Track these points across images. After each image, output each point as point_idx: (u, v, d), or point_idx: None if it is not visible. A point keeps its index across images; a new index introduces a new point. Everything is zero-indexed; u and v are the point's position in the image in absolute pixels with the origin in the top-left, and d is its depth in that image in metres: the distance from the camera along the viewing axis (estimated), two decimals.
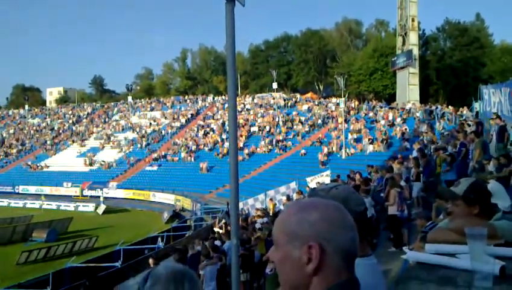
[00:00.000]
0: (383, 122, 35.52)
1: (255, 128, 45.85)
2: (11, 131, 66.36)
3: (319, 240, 1.08)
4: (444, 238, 2.11)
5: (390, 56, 51.35)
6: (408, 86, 45.73)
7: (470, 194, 2.19)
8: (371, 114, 38.97)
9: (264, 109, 50.53)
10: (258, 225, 11.40)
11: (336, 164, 30.44)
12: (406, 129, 31.57)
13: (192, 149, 45.70)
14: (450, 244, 2.00)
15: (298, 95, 54.77)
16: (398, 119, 34.90)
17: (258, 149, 41.19)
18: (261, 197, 24.14)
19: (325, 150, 34.35)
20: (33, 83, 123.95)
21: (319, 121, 42.03)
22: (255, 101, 54.92)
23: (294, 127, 43.17)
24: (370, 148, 31.41)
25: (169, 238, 18.28)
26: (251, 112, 50.59)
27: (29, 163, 52.42)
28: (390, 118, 35.93)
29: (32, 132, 63.84)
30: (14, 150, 57.70)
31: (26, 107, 78.45)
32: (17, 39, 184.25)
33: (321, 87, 68.69)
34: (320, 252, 1.07)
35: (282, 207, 18.21)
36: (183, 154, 45.10)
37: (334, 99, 47.09)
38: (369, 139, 32.33)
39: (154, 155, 46.87)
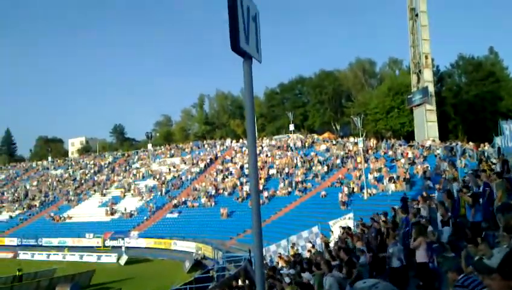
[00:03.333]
0: (403, 160, 35.16)
1: (273, 171, 45.82)
2: (35, 183, 67.63)
3: None
4: None
5: (406, 94, 51.44)
6: (426, 122, 45.46)
7: (506, 267, 2.11)
8: (390, 152, 38.69)
9: (282, 151, 50.67)
10: (285, 277, 11.15)
11: (358, 205, 30.05)
12: (427, 167, 31.13)
13: (212, 194, 45.73)
14: None
15: (315, 136, 54.92)
16: (419, 157, 34.52)
17: (278, 192, 40.98)
18: (283, 243, 23.75)
19: (346, 190, 33.98)
20: (55, 134, 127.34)
21: (338, 161, 41.82)
22: (272, 143, 55.21)
23: (313, 167, 42.99)
24: (392, 187, 30.98)
25: None
26: (269, 154, 50.75)
27: (52, 215, 53.03)
28: (410, 155, 35.58)
29: (55, 183, 64.96)
30: (37, 202, 58.55)
31: (49, 158, 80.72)
32: (39, 92, 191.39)
33: (338, 127, 68.84)
34: None
35: (306, 253, 17.88)
36: (203, 200, 45.12)
37: (352, 139, 47.01)
38: (390, 178, 31.93)
39: (175, 202, 47.00)
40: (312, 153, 46.75)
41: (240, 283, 14.72)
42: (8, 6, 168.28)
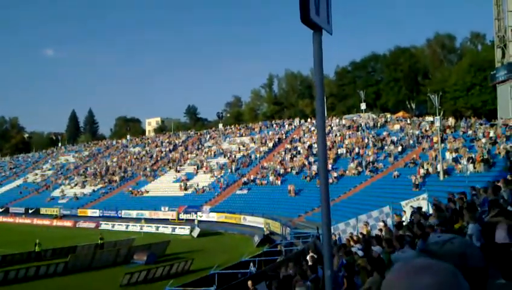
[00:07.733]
0: (483, 140, 32.95)
1: (342, 150, 45.09)
2: (115, 159, 72.31)
3: None
4: None
5: (489, 70, 47.86)
6: (510, 100, 42.12)
7: None
8: (469, 132, 36.42)
9: (352, 130, 49.60)
10: (358, 251, 11.04)
11: (433, 186, 28.69)
12: (510, 147, 28.94)
13: (280, 172, 46.07)
14: None
15: (388, 115, 53.04)
16: (501, 137, 32.16)
17: (347, 172, 40.35)
18: (353, 222, 23.44)
19: (421, 171, 32.62)
20: (134, 115, 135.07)
21: (412, 141, 40.18)
22: (342, 122, 54.16)
23: (385, 148, 41.69)
24: (470, 168, 29.21)
25: (261, 263, 18.43)
26: (338, 133, 49.90)
27: (131, 189, 56.51)
28: (492, 135, 33.26)
29: (133, 160, 68.93)
30: (117, 177, 62.59)
31: (128, 137, 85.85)
32: (118, 74, 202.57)
33: (413, 106, 65.90)
34: None
35: (376, 233, 17.49)
36: (271, 178, 45.61)
37: (428, 118, 44.81)
38: (468, 159, 30.12)
39: (244, 179, 48.01)
40: (384, 133, 45.35)
41: (307, 257, 14.80)
42: None
